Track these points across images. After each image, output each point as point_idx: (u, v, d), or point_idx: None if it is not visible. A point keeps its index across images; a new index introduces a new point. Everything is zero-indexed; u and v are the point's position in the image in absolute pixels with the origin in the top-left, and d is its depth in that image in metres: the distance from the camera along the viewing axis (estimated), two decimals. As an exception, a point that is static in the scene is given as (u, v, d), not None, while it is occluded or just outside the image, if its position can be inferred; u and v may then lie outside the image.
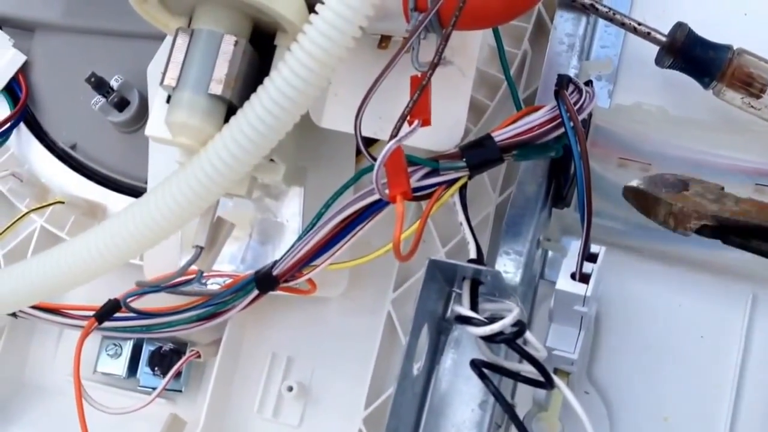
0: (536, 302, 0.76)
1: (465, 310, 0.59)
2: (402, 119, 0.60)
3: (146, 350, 0.86)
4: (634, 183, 0.66)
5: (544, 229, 0.75)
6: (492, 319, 0.58)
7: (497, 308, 0.61)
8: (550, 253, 0.78)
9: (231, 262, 0.83)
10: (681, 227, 0.62)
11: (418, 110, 0.60)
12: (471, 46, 0.72)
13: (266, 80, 0.61)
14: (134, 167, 0.89)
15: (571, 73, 0.79)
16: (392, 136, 0.60)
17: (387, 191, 0.61)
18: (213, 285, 0.80)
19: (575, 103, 0.64)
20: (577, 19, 0.80)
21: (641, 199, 0.66)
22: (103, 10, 0.92)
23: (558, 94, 0.64)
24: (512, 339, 0.57)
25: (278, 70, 0.60)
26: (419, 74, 0.63)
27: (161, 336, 0.82)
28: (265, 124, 0.60)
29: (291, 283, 0.72)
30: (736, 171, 0.75)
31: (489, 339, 0.57)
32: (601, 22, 0.82)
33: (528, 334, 0.59)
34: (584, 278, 0.64)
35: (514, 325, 0.58)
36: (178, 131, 0.64)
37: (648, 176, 0.67)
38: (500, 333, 0.57)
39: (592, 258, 0.66)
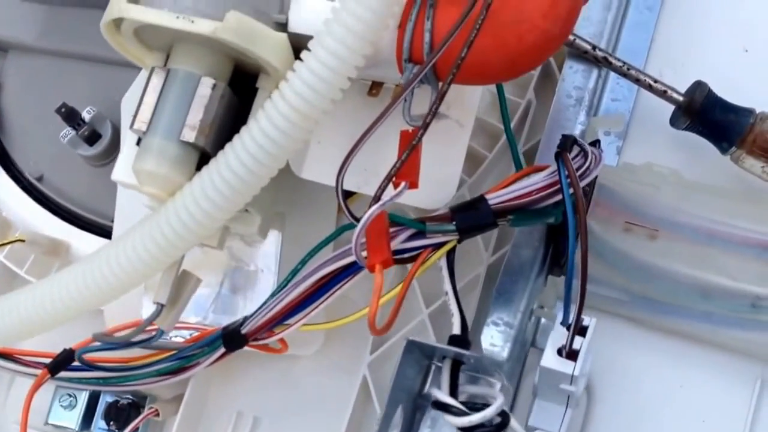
0: (525, 371, 0.75)
1: (443, 396, 0.58)
2: (387, 180, 0.59)
3: (103, 401, 0.85)
4: None
5: (538, 296, 0.74)
6: (473, 405, 0.57)
7: (479, 392, 0.60)
8: (543, 319, 0.77)
9: (198, 312, 0.82)
10: None
11: (405, 171, 0.60)
12: (470, 98, 0.71)
13: (243, 129, 0.60)
14: (102, 204, 0.87)
15: (578, 129, 0.78)
16: (376, 198, 0.59)
17: (366, 257, 0.60)
18: (177, 338, 0.79)
19: (578, 168, 0.63)
20: (587, 72, 0.80)
21: None
22: (81, 33, 0.91)
23: (559, 157, 0.63)
24: (494, 432, 0.56)
25: (256, 119, 0.59)
26: (410, 129, 0.62)
27: (119, 390, 0.81)
28: (238, 178, 0.59)
29: (262, 342, 0.71)
30: (753, 244, 0.74)
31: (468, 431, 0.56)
32: (613, 72, 0.81)
33: (515, 425, 0.58)
34: (572, 355, 0.63)
35: (499, 414, 0.57)
36: (145, 180, 0.63)
37: None
38: (481, 425, 0.56)
39: (582, 331, 0.65)
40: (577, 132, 0.78)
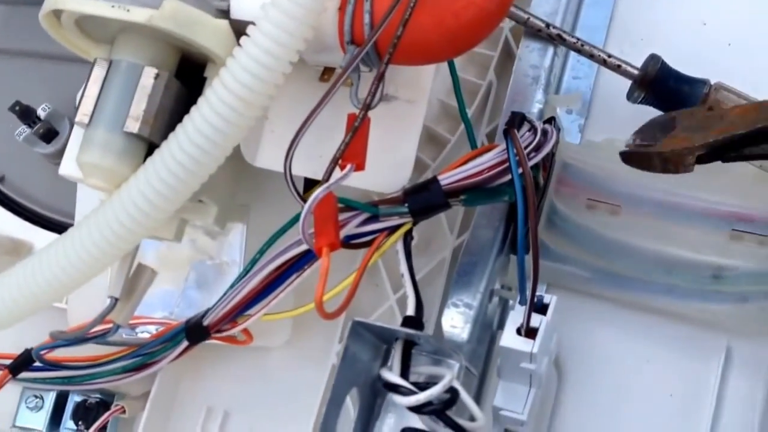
0: (495, 354, 0.74)
1: (393, 376, 0.57)
2: (333, 163, 0.59)
3: (71, 401, 0.84)
4: (626, 147, 0.67)
5: (500, 277, 0.73)
6: (425, 384, 0.57)
7: (435, 372, 0.59)
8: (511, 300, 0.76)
9: (164, 308, 0.81)
10: (681, 169, 0.63)
11: (351, 153, 0.59)
12: (423, 79, 0.70)
13: (186, 118, 0.59)
14: (64, 202, 0.86)
15: (536, 107, 0.77)
16: (324, 181, 0.58)
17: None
18: (143, 333, 0.78)
19: (528, 145, 0.63)
20: (543, 50, 0.79)
21: (638, 160, 0.66)
22: (37, 31, 0.89)
23: (507, 134, 0.62)
24: (441, 410, 0.55)
25: (198, 107, 0.59)
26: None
27: (85, 388, 0.80)
28: (182, 168, 0.58)
29: (225, 333, 0.71)
30: (713, 215, 0.74)
31: (416, 410, 0.55)
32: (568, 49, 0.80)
33: (467, 400, 0.58)
34: (531, 333, 0.62)
35: (447, 391, 0.56)
36: (89, 172, 0.62)
37: (636, 131, 0.68)
38: (429, 403, 0.55)
39: (543, 310, 0.64)
40: (535, 111, 0.77)
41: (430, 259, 0.81)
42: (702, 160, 0.63)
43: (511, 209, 0.72)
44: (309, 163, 0.66)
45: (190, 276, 0.81)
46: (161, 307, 0.81)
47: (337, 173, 0.59)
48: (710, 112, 0.65)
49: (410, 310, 0.61)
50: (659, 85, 0.74)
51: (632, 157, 0.66)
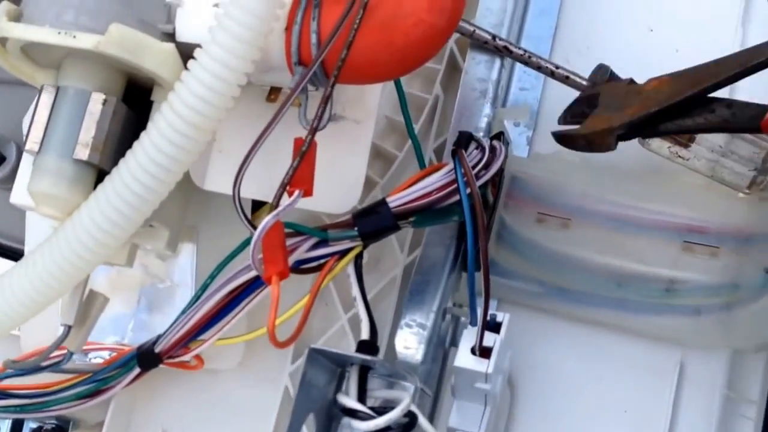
0: (449, 372, 0.74)
1: (350, 402, 0.57)
2: (281, 189, 0.58)
3: (27, 428, 0.83)
4: (558, 122, 0.69)
5: (453, 294, 0.72)
6: (382, 409, 0.56)
7: (391, 396, 0.59)
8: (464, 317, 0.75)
9: (116, 332, 0.80)
10: (604, 149, 0.65)
11: (299, 179, 0.58)
12: (370, 98, 0.69)
13: (135, 144, 0.58)
14: (14, 228, 0.84)
15: (484, 121, 0.77)
16: (272, 208, 0.58)
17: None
18: (96, 359, 0.77)
19: (476, 165, 0.62)
20: (490, 62, 0.78)
21: (566, 142, 0.67)
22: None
23: (455, 155, 0.61)
24: (401, 434, 0.54)
25: (147, 133, 0.58)
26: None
27: (39, 416, 0.79)
28: (133, 194, 0.57)
29: (177, 359, 0.70)
30: (664, 227, 0.73)
31: (377, 435, 0.55)
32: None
33: (423, 423, 0.57)
34: (486, 352, 0.62)
35: (406, 415, 0.55)
36: (41, 201, 0.61)
37: (567, 107, 0.70)
38: (388, 428, 0.54)
39: (496, 328, 0.64)
40: (483, 124, 0.76)
41: (381, 277, 0.80)
42: (623, 137, 0.64)
43: (461, 227, 0.71)
44: (259, 186, 0.65)
45: (141, 299, 0.80)
46: (113, 331, 0.80)
47: (286, 199, 0.58)
48: (630, 86, 0.66)
49: (364, 334, 0.61)
50: (608, 96, 0.73)
51: (561, 139, 0.67)
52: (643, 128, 0.62)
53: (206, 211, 0.78)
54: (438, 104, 0.85)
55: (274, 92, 0.69)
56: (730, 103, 0.60)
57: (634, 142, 0.74)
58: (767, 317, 0.69)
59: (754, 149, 0.71)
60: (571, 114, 0.67)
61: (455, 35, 0.84)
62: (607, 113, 0.64)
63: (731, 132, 0.62)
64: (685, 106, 0.61)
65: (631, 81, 0.67)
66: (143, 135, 0.57)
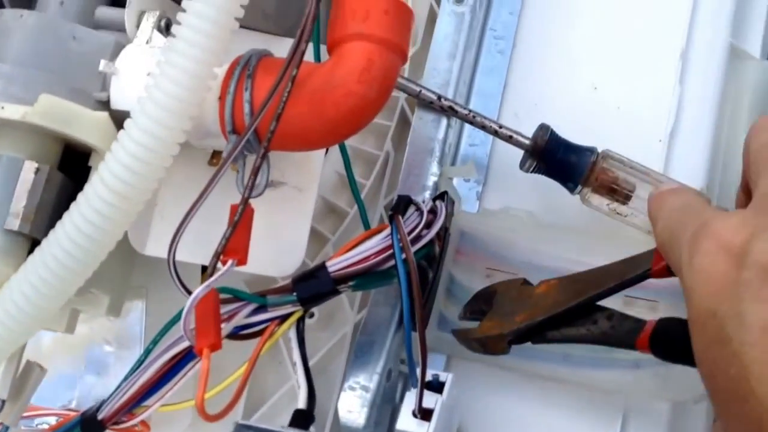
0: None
1: (284, 477, 0.56)
2: (215, 258, 0.57)
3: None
4: (458, 317, 0.69)
5: (400, 353, 0.72)
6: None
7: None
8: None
9: (63, 395, 0.79)
10: (497, 352, 0.66)
11: (232, 248, 0.58)
12: (313, 164, 0.69)
13: (65, 215, 0.58)
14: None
15: (431, 180, 0.76)
16: (205, 277, 0.57)
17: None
18: (42, 425, 0.76)
19: (413, 229, 0.62)
20: (437, 121, 0.78)
21: (463, 341, 0.68)
22: None
23: (392, 219, 0.61)
24: None
25: (77, 203, 0.57)
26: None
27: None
28: (63, 266, 0.57)
29: (122, 426, 0.68)
30: (605, 281, 0.73)
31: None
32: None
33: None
34: (427, 414, 0.61)
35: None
36: (-28, 270, 0.60)
37: (467, 301, 0.70)
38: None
39: (439, 388, 0.63)
40: (430, 183, 0.76)
41: (332, 335, 0.79)
42: (513, 342, 0.65)
43: (402, 289, 0.70)
44: (199, 251, 0.64)
45: (88, 362, 0.79)
46: (60, 393, 0.79)
47: (220, 268, 0.57)
48: (522, 288, 0.68)
49: (301, 403, 0.60)
50: (549, 155, 0.73)
51: (459, 337, 0.68)
52: (531, 335, 0.64)
53: (156, 272, 0.77)
54: (389, 160, 0.86)
55: (216, 156, 0.69)
56: (611, 314, 0.62)
57: (578, 199, 0.74)
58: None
59: (689, 206, 0.71)
60: (470, 310, 0.69)
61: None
62: (498, 318, 0.66)
63: (609, 345, 0.64)
64: (569, 315, 0.62)
65: (524, 282, 0.69)
66: (73, 205, 0.57)
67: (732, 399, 0.48)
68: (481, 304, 0.68)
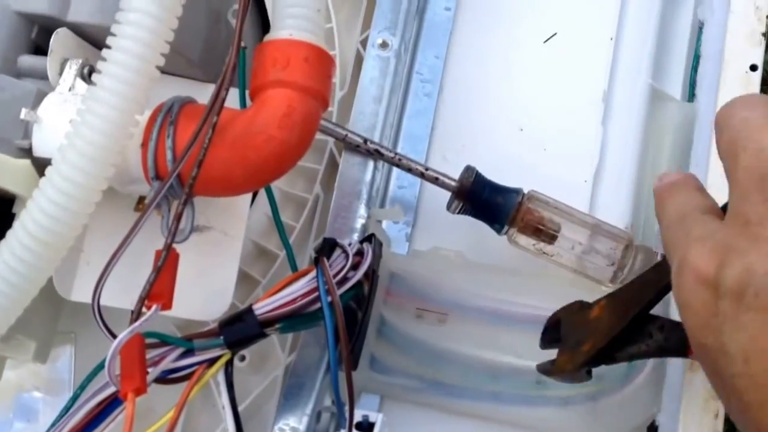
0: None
1: None
2: (140, 303, 0.57)
3: None
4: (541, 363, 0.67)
5: (330, 393, 0.71)
6: None
7: None
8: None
9: (-8, 445, 0.77)
10: (581, 381, 0.65)
11: (157, 292, 0.57)
12: (239, 209, 0.69)
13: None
14: None
15: (359, 223, 0.77)
16: (131, 321, 0.57)
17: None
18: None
19: (339, 270, 0.62)
20: (363, 164, 0.79)
21: (550, 375, 0.67)
22: None
23: (317, 262, 0.61)
24: None
25: (0, 251, 0.56)
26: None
27: None
28: None
29: (51, 473, 0.67)
30: (534, 320, 0.73)
31: None
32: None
33: None
34: (357, 457, 0.61)
35: None
36: None
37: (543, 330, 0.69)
38: None
39: (369, 429, 0.63)
40: (358, 226, 0.76)
41: (264, 377, 0.78)
42: (589, 367, 0.64)
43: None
44: (126, 296, 0.64)
45: (16, 408, 0.78)
46: (-11, 443, 0.77)
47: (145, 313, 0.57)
48: (581, 313, 0.66)
49: (229, 448, 0.60)
50: (475, 196, 0.74)
51: (542, 372, 0.67)
52: (601, 360, 0.63)
53: (85, 317, 0.76)
54: (318, 203, 0.85)
55: (142, 202, 0.68)
56: (661, 325, 0.61)
57: (504, 239, 0.75)
58: (631, 405, 0.70)
59: (612, 244, 0.72)
60: (547, 340, 0.68)
61: (333, 137, 0.84)
62: (568, 351, 0.65)
63: (668, 356, 0.65)
64: (626, 334, 0.62)
65: (581, 305, 0.67)
66: None
67: (747, 428, 0.47)
68: (552, 333, 0.68)
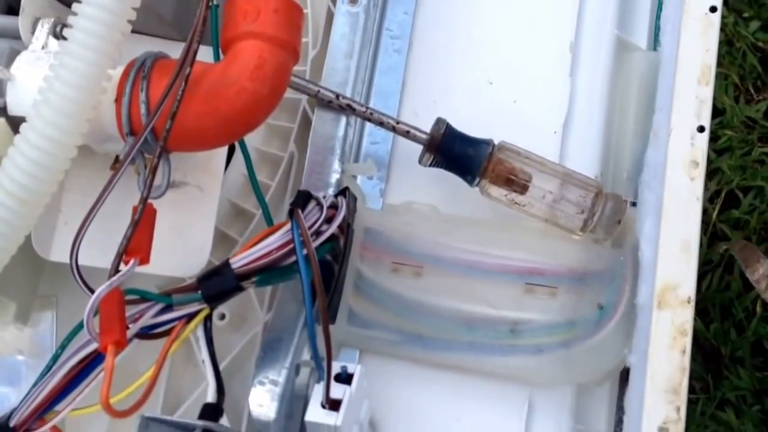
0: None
1: (190, 467, 0.55)
2: (117, 258, 0.57)
3: None
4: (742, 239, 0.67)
5: (308, 348, 0.71)
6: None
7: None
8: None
9: (-26, 407, 0.77)
10: None
11: (134, 247, 0.57)
12: (215, 164, 0.69)
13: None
14: None
15: (334, 178, 0.77)
16: (108, 277, 0.56)
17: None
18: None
19: (314, 222, 0.62)
20: (336, 120, 0.79)
21: (746, 253, 0.66)
22: None
23: (291, 214, 0.61)
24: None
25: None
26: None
27: None
28: None
29: (35, 432, 0.67)
30: (506, 271, 0.74)
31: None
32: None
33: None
34: (335, 405, 0.61)
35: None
36: None
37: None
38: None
39: (348, 380, 0.63)
40: (333, 180, 0.76)
41: (244, 335, 0.78)
42: None
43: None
44: (105, 254, 0.63)
45: (1, 371, 0.77)
46: (-31, 406, 0.77)
47: (123, 268, 0.57)
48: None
49: (210, 397, 0.60)
50: (446, 148, 0.74)
51: (744, 249, 0.67)
52: None
53: (64, 280, 0.76)
54: (293, 161, 0.85)
55: (118, 161, 0.68)
56: None
57: (477, 191, 0.75)
58: (603, 351, 0.71)
59: (582, 193, 0.72)
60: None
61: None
62: None
63: None
64: None
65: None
66: None
67: None
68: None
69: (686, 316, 0.68)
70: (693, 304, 0.68)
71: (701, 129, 0.73)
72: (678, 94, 0.74)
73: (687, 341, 0.67)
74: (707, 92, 0.74)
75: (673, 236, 0.70)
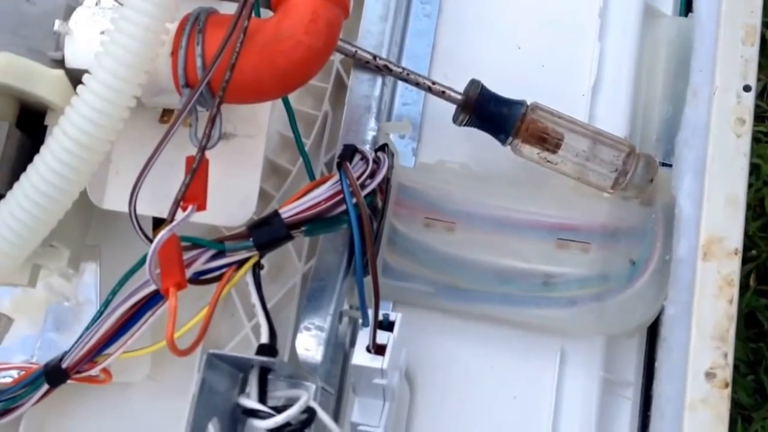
0: (350, 373, 0.73)
1: (250, 402, 0.56)
2: (175, 205, 0.57)
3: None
4: None
5: (348, 298, 0.72)
6: (283, 407, 0.56)
7: (293, 395, 0.58)
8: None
9: (24, 352, 0.77)
10: None
11: (192, 194, 0.58)
12: (260, 116, 0.69)
13: (29, 167, 0.57)
14: None
15: (370, 135, 0.77)
16: (167, 222, 0.57)
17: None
18: (5, 378, 0.74)
19: (360, 175, 0.62)
20: (372, 80, 0.79)
21: None
22: None
23: (340, 167, 0.62)
24: (300, 430, 0.54)
25: (41, 155, 0.57)
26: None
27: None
28: (29, 215, 0.56)
29: (84, 374, 0.68)
30: (538, 227, 0.75)
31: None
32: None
33: (324, 418, 0.57)
34: (380, 350, 0.62)
35: (304, 411, 0.55)
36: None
37: None
38: (288, 424, 0.54)
39: (390, 327, 0.64)
40: (369, 138, 0.77)
41: (282, 285, 0.79)
42: None
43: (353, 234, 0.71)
44: (155, 203, 0.65)
45: (48, 319, 0.78)
46: (21, 351, 0.77)
47: (180, 214, 0.57)
48: None
49: (264, 338, 0.60)
50: (480, 108, 0.74)
51: None
52: None
53: (108, 231, 0.77)
54: (327, 120, 0.86)
55: (166, 114, 0.68)
56: None
57: (508, 150, 0.75)
58: (635, 304, 0.72)
59: (614, 152, 0.73)
60: None
61: (340, 55, 0.84)
62: None
63: None
64: None
65: None
66: (36, 157, 0.57)
67: None
68: None
69: (733, 266, 0.68)
70: (740, 255, 0.69)
71: (747, 88, 0.73)
72: (723, 54, 0.74)
73: (734, 291, 0.68)
74: (752, 52, 0.74)
75: (719, 190, 0.71)
